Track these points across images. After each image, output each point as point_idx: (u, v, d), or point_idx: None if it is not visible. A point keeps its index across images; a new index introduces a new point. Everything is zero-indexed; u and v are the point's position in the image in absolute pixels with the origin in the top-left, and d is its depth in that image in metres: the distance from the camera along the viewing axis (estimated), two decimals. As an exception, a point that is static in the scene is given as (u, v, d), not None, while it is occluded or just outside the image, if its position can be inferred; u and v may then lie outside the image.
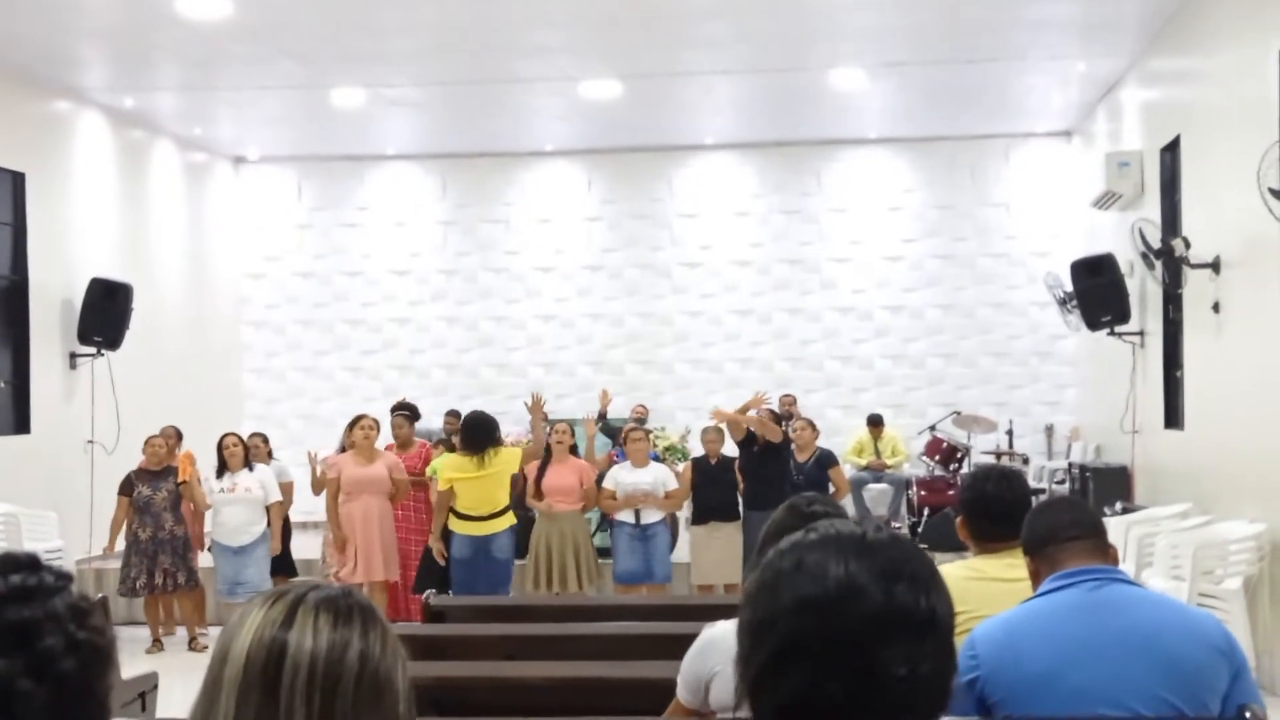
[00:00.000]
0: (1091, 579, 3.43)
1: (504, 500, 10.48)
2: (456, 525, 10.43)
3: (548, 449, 11.27)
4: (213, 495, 11.47)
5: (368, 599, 1.77)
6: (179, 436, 12.48)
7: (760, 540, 3.86)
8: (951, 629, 1.66)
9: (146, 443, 11.89)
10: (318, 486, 11.84)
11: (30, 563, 1.18)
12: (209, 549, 11.79)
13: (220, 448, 11.59)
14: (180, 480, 11.68)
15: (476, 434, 10.44)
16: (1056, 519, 3.63)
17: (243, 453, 11.56)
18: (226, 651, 1.68)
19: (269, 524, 11.52)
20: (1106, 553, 3.56)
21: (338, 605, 1.71)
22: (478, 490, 10.32)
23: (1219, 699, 3.33)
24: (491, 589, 10.15)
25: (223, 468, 11.51)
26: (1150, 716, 3.29)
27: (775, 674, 1.61)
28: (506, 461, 10.47)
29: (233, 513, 11.41)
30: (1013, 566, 4.09)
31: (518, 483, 11.01)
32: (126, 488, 11.69)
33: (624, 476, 11.26)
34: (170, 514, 11.63)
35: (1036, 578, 3.58)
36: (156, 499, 11.60)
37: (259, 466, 11.70)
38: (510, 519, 10.56)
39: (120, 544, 11.78)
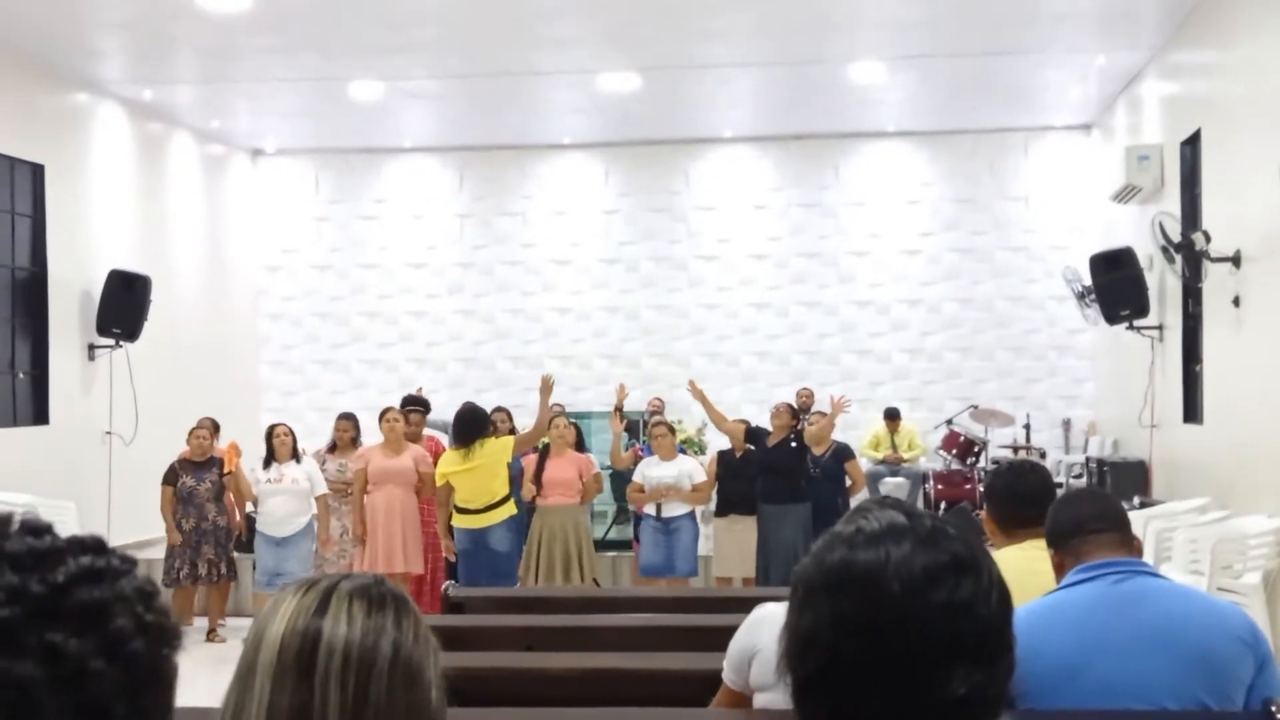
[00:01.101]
0: (1116, 571, 3.42)
1: (500, 491, 10.51)
2: (456, 519, 10.54)
3: (545, 448, 11.30)
4: (259, 485, 11.49)
5: (400, 588, 1.78)
6: (216, 428, 12.50)
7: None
8: (1013, 645, 1.60)
9: (191, 434, 11.92)
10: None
11: (97, 545, 1.21)
12: (243, 538, 11.84)
13: (270, 437, 11.61)
14: (226, 471, 11.71)
15: (465, 427, 10.53)
16: (1081, 511, 3.62)
17: (292, 443, 11.59)
18: (261, 637, 1.69)
19: (317, 515, 11.54)
20: (1131, 545, 3.54)
21: (370, 594, 1.72)
22: (470, 482, 10.42)
23: (1244, 690, 3.32)
24: (493, 580, 10.19)
25: (270, 458, 11.54)
26: (1176, 710, 3.28)
27: (819, 689, 1.58)
28: (496, 452, 10.49)
29: (279, 503, 11.42)
30: (1036, 559, 4.10)
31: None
32: (171, 477, 11.74)
33: (650, 470, 11.28)
34: (214, 505, 11.69)
35: (1061, 570, 3.57)
36: (200, 490, 11.65)
37: (305, 458, 11.73)
38: (509, 510, 10.59)
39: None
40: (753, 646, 3.70)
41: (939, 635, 1.52)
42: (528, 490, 11.04)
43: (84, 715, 1.10)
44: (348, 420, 12.15)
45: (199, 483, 11.66)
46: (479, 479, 10.42)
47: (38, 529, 1.17)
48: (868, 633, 1.53)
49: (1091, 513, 3.60)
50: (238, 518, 12.02)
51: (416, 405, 12.62)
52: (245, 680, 1.68)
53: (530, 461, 11.33)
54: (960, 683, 1.52)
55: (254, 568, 11.76)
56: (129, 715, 1.13)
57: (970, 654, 1.53)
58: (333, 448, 12.11)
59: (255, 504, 11.67)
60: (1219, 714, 3.32)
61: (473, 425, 10.52)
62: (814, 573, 1.61)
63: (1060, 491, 4.36)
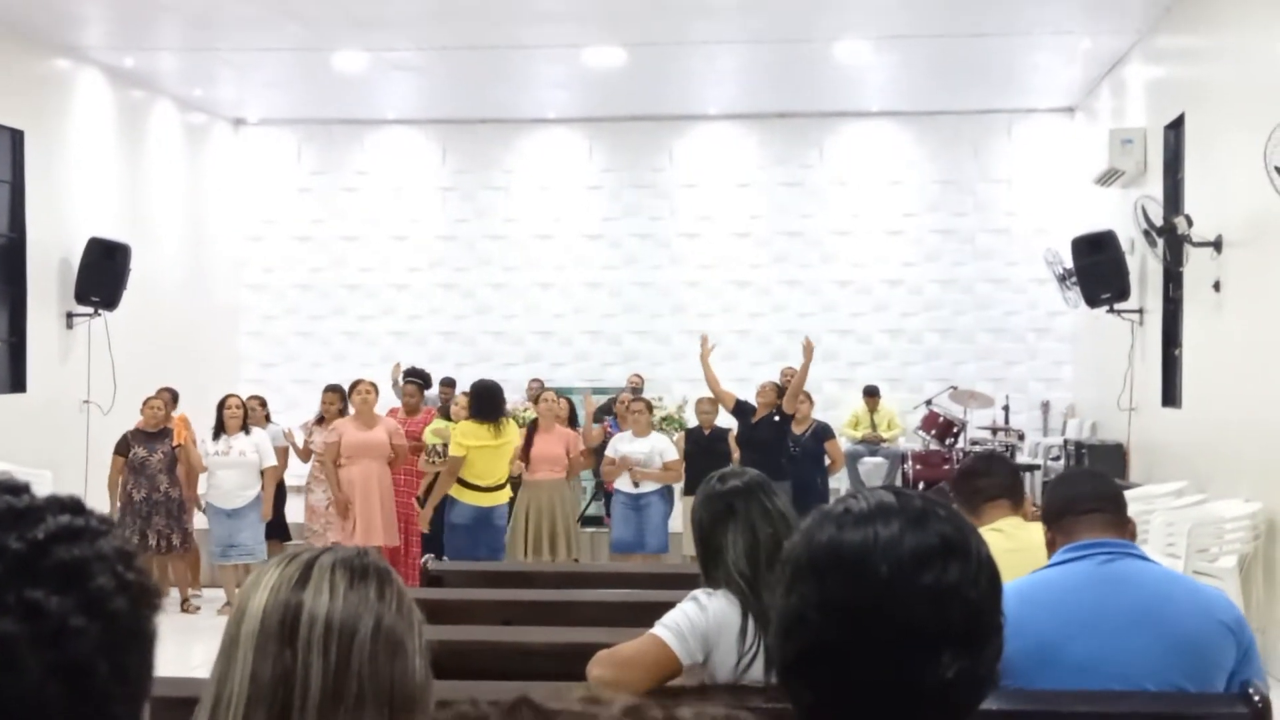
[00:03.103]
0: (1104, 552, 3.42)
1: (507, 472, 10.58)
2: (460, 494, 10.47)
3: (534, 423, 11.32)
4: (208, 458, 11.47)
5: (383, 560, 1.77)
6: (175, 398, 12.46)
7: (697, 537, 3.87)
8: (1001, 627, 1.59)
9: (145, 404, 11.88)
10: (305, 454, 11.89)
11: (75, 505, 1.19)
12: (204, 510, 11.81)
13: (220, 408, 11.57)
14: (176, 443, 11.67)
15: (491, 403, 10.50)
16: (1076, 490, 3.63)
17: (242, 416, 11.56)
18: (244, 609, 1.69)
19: (263, 488, 11.53)
20: (1124, 527, 3.54)
21: (353, 566, 1.71)
22: (490, 459, 10.40)
23: (1225, 677, 3.33)
24: (491, 555, 10.21)
25: (219, 430, 11.50)
26: (1155, 691, 3.29)
27: (804, 672, 1.56)
28: (514, 433, 10.57)
29: (227, 476, 11.42)
30: (1009, 537, 4.14)
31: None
32: (122, 448, 11.69)
33: (623, 446, 11.27)
34: (165, 476, 11.62)
35: (1052, 547, 3.58)
36: (152, 460, 11.59)
37: (255, 430, 11.70)
38: (510, 492, 10.66)
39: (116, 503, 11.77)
40: (714, 640, 3.64)
41: (926, 619, 1.51)
42: (515, 466, 11.04)
43: (65, 674, 1.09)
44: (334, 392, 12.10)
45: (151, 453, 11.60)
46: (500, 457, 10.47)
47: (15, 488, 1.15)
48: (854, 615, 1.52)
49: (1086, 492, 3.60)
50: (193, 490, 11.93)
51: (415, 377, 12.57)
52: (229, 651, 1.68)
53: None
54: (948, 666, 1.50)
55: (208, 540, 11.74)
56: (111, 674, 1.12)
57: (958, 637, 1.52)
58: (320, 420, 12.06)
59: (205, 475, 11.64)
60: (1197, 696, 3.33)
61: (497, 401, 10.56)
62: (801, 552, 1.60)
63: (1043, 472, 4.48)
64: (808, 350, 11.47)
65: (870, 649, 1.51)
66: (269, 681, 1.63)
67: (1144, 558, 3.53)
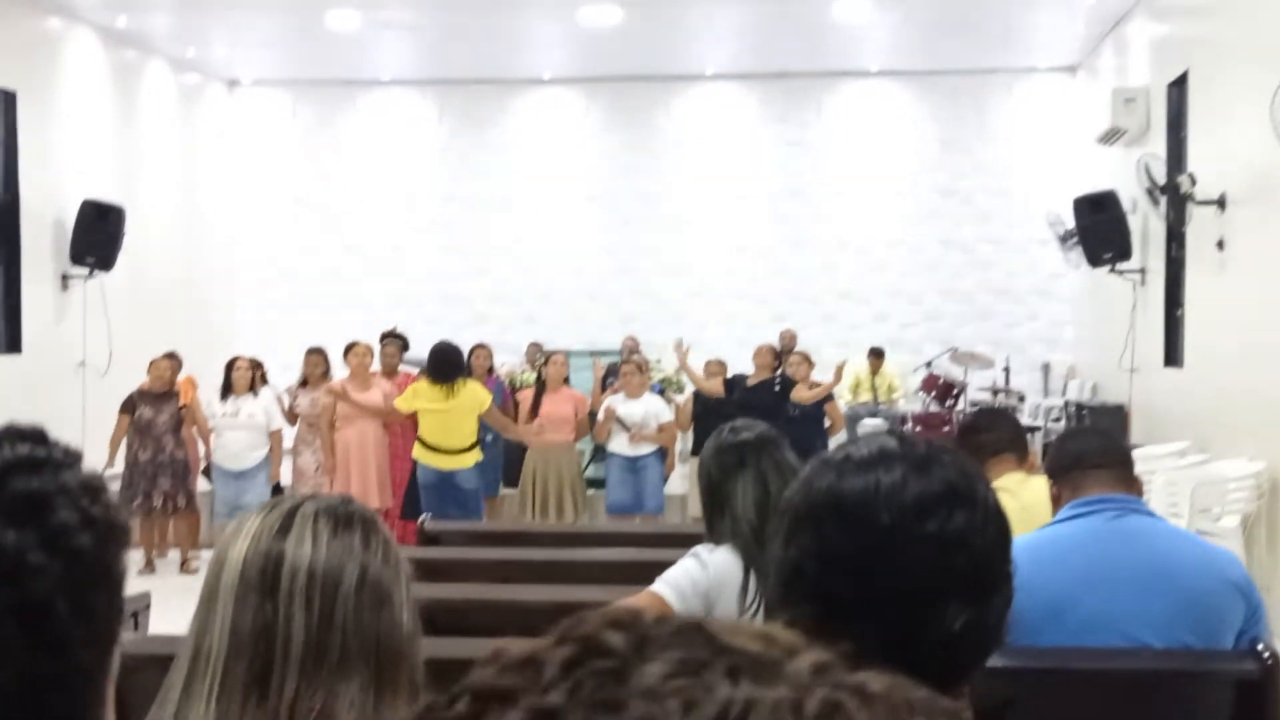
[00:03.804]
0: (1112, 508, 3.36)
1: (470, 436, 10.37)
2: (421, 455, 10.41)
3: (540, 379, 11.26)
4: (215, 419, 11.40)
5: (369, 509, 1.69)
6: (179, 363, 12.38)
7: (704, 487, 3.79)
8: (1010, 577, 1.51)
9: (151, 364, 11.78)
10: (292, 418, 11.82)
11: (36, 434, 1.12)
12: (203, 471, 11.76)
13: (228, 369, 11.50)
14: (182, 404, 11.61)
15: (445, 365, 10.33)
16: (1085, 445, 3.56)
17: (250, 377, 11.48)
18: (224, 559, 1.61)
19: (271, 450, 11.47)
20: (1132, 484, 3.48)
21: (337, 513, 1.64)
22: (442, 422, 10.26)
23: (1232, 636, 3.27)
24: (463, 516, 10.11)
25: (227, 390, 11.43)
26: (1163, 649, 3.23)
27: (803, 627, 1.50)
28: (473, 398, 10.32)
29: (235, 437, 11.35)
30: (1014, 495, 4.08)
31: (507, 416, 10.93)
32: (128, 406, 11.63)
33: (617, 408, 11.20)
34: (171, 437, 11.58)
35: (1058, 503, 3.51)
36: (158, 421, 11.54)
37: (263, 392, 11.63)
38: (476, 455, 10.47)
39: (120, 463, 11.71)
40: (715, 597, 3.58)
41: (931, 569, 1.44)
42: (525, 425, 10.97)
43: (22, 614, 1.02)
44: (317, 354, 12.03)
45: (157, 414, 11.55)
46: (451, 420, 10.28)
47: None
48: (855, 566, 1.45)
49: (1094, 447, 3.54)
50: (198, 452, 11.89)
51: (394, 338, 12.50)
52: (209, 602, 1.61)
53: (526, 397, 11.28)
54: (954, 618, 1.43)
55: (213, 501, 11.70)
56: (73, 615, 1.05)
57: (965, 588, 1.44)
58: (304, 382, 12.00)
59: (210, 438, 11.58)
60: (1205, 652, 3.27)
61: (452, 363, 10.37)
62: (800, 501, 1.53)
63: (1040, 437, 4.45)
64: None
65: (874, 601, 1.44)
66: (249, 634, 1.56)
67: (1151, 514, 3.47)
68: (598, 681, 0.63)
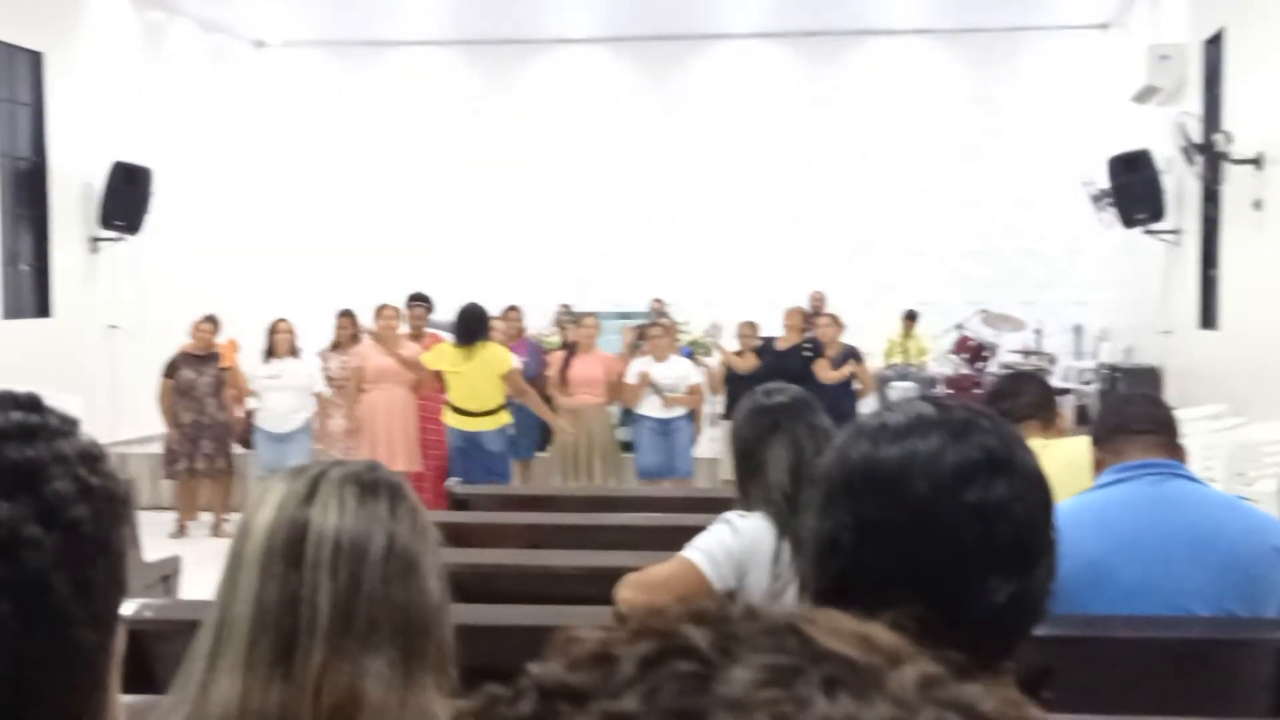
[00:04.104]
0: (1154, 472, 3.29)
1: (495, 398, 10.31)
2: (448, 417, 10.41)
3: (567, 344, 11.23)
4: (257, 381, 11.38)
5: (396, 475, 1.64)
6: (218, 325, 12.37)
7: (736, 451, 3.72)
8: (1054, 545, 1.46)
9: (194, 326, 11.77)
10: (324, 380, 11.81)
11: (31, 401, 1.06)
12: (242, 439, 11.79)
13: (271, 332, 11.48)
14: (223, 366, 11.61)
15: (468, 325, 10.30)
16: (1130, 410, 3.50)
17: (291, 339, 11.45)
18: (248, 527, 1.57)
19: (315, 412, 11.47)
20: (1176, 451, 3.41)
21: (363, 480, 1.59)
22: (464, 383, 10.25)
23: (1278, 602, 3.21)
24: (487, 478, 10.08)
25: (269, 353, 11.41)
26: (1207, 616, 3.17)
27: (840, 600, 1.44)
28: (493, 360, 10.25)
29: (279, 399, 11.31)
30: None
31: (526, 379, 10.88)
32: (170, 370, 11.63)
33: (650, 371, 11.14)
34: (213, 399, 11.59)
35: (1100, 467, 3.45)
36: (200, 383, 11.54)
37: (306, 354, 11.61)
38: (504, 418, 10.43)
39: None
40: (747, 564, 3.52)
41: (971, 539, 1.38)
42: (556, 387, 10.97)
43: (16, 591, 0.96)
44: (347, 317, 12.01)
45: (199, 375, 11.56)
46: (472, 381, 10.25)
47: None
48: (892, 538, 1.39)
49: (1141, 413, 3.47)
50: (238, 413, 11.91)
51: (420, 301, 12.46)
52: (234, 572, 1.57)
53: (557, 359, 11.25)
54: (996, 590, 1.37)
55: (254, 464, 11.71)
56: (72, 593, 0.99)
57: (1006, 559, 1.39)
58: (335, 345, 11.98)
59: (251, 400, 11.57)
60: (1250, 620, 3.21)
61: (475, 324, 10.34)
62: (835, 471, 1.47)
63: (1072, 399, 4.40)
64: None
65: (912, 573, 1.38)
66: (274, 604, 1.51)
67: (1195, 479, 3.40)
68: (678, 686, 0.57)
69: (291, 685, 1.49)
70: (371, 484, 1.58)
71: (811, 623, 0.61)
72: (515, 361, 10.73)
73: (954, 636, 1.36)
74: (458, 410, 10.37)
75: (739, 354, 12.04)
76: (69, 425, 1.05)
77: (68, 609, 0.99)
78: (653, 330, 11.46)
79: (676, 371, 11.17)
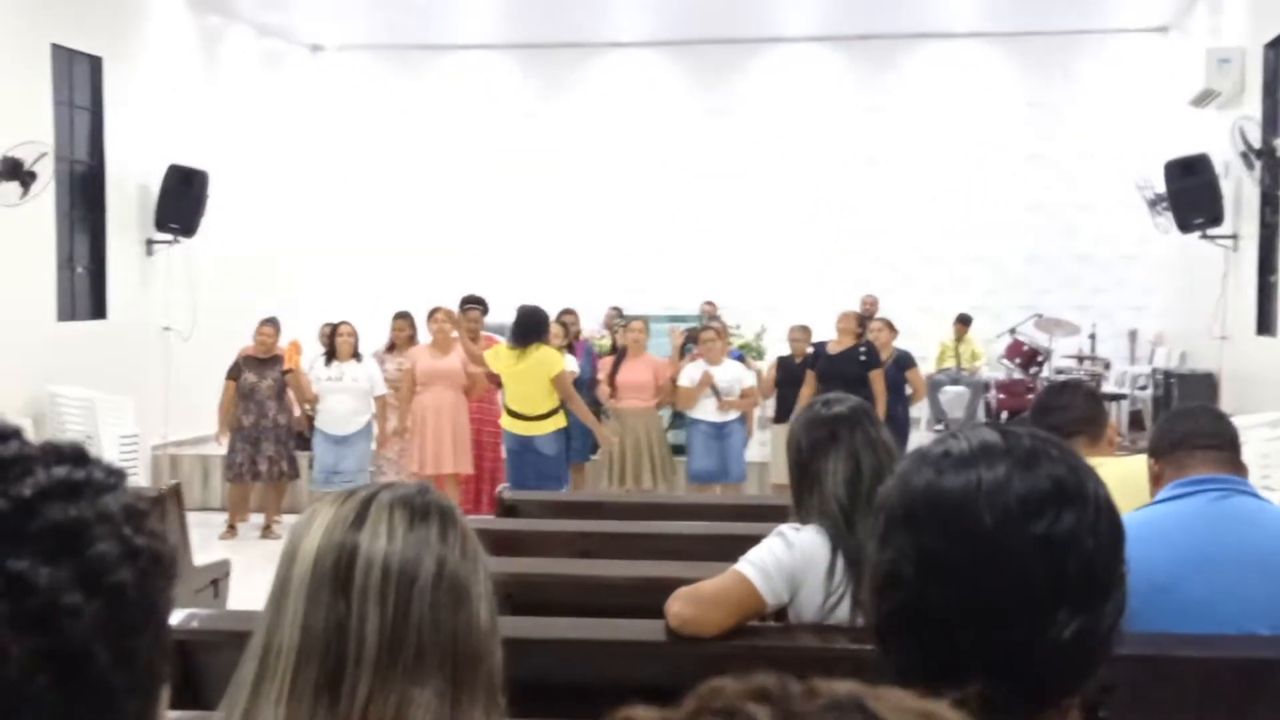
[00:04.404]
0: (1216, 488, 3.23)
1: (548, 402, 10.27)
2: (506, 422, 10.42)
3: (617, 348, 11.22)
4: (319, 383, 11.42)
5: (447, 498, 1.62)
6: (279, 328, 12.42)
7: (793, 462, 3.67)
8: (1124, 578, 1.41)
9: (257, 330, 11.83)
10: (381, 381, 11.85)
11: (76, 454, 0.99)
12: (305, 435, 11.83)
13: (332, 335, 11.52)
14: (286, 369, 11.65)
15: (522, 327, 10.28)
16: (1195, 424, 3.42)
17: (354, 342, 11.49)
18: (295, 551, 1.54)
19: (374, 415, 11.49)
20: (1239, 468, 3.35)
21: (413, 504, 1.56)
22: (517, 385, 10.23)
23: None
24: (539, 483, 10.06)
25: (331, 356, 11.46)
26: (1268, 636, 3.11)
27: (900, 633, 1.40)
28: (546, 361, 10.22)
29: (339, 401, 11.36)
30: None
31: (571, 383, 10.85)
32: (234, 372, 11.69)
33: (699, 374, 11.11)
34: (275, 402, 11.64)
35: (1159, 482, 3.39)
36: (262, 386, 11.60)
37: (366, 357, 11.64)
38: (558, 421, 10.39)
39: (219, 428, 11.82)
40: (801, 579, 3.48)
41: (1038, 573, 1.33)
42: (603, 392, 10.95)
43: (57, 662, 0.90)
44: (404, 319, 12.04)
45: (261, 379, 11.62)
46: (525, 383, 10.23)
47: (2, 433, 0.98)
48: (955, 571, 1.35)
49: (1205, 427, 3.40)
50: (297, 414, 11.96)
51: (475, 303, 12.47)
52: (280, 598, 1.53)
53: (606, 363, 11.24)
54: (1064, 626, 1.33)
55: (310, 466, 11.74)
56: (114, 662, 0.93)
57: (1075, 594, 1.34)
58: (391, 347, 12.02)
59: (314, 403, 11.58)
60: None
61: (530, 326, 10.32)
62: (896, 500, 1.43)
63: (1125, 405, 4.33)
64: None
65: (976, 608, 1.34)
66: (321, 632, 1.48)
67: (1258, 496, 3.33)
68: None
69: (337, 716, 1.46)
70: (422, 508, 1.55)
71: (876, 699, 0.58)
72: (571, 364, 10.71)
73: (1018, 673, 1.33)
74: (512, 413, 10.37)
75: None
76: (115, 478, 1.00)
77: (110, 679, 0.93)
78: (705, 334, 11.42)
79: (731, 374, 11.14)
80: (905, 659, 1.39)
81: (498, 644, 1.57)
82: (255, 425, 11.60)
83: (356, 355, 11.49)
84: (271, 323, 11.92)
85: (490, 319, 12.51)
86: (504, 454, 10.66)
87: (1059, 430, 4.26)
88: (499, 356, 10.41)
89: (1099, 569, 1.37)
